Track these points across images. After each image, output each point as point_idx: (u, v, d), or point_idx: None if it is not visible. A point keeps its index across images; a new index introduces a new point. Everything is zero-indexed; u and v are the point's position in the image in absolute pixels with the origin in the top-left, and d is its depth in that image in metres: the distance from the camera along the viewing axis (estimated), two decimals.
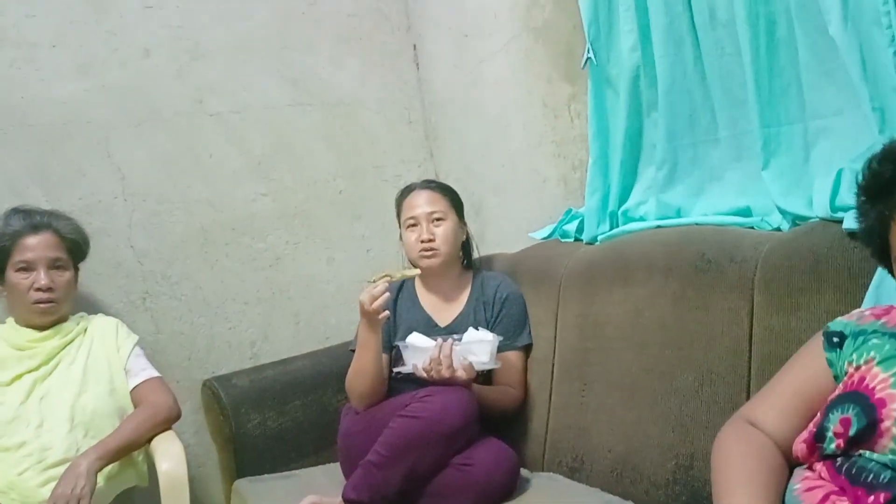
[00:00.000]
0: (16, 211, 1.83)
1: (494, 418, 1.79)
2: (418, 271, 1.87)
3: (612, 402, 1.62)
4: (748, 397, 1.31)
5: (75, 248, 1.87)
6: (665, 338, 1.52)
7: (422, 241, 1.91)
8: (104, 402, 1.78)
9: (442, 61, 2.52)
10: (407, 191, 2.01)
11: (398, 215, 2.01)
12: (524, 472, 1.75)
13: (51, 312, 1.79)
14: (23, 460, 1.64)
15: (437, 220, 1.94)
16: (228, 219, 2.29)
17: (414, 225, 1.94)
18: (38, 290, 1.76)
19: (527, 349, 1.93)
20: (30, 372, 1.74)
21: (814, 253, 1.27)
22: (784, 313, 1.28)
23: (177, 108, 2.24)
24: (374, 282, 1.77)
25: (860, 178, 0.98)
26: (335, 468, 1.89)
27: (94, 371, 1.80)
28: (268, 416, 2.01)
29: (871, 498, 0.86)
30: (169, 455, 1.70)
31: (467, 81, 2.42)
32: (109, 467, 1.67)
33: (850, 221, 1.24)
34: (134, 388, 1.84)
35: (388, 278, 1.79)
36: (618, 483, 1.55)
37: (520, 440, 1.82)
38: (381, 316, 1.75)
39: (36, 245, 1.78)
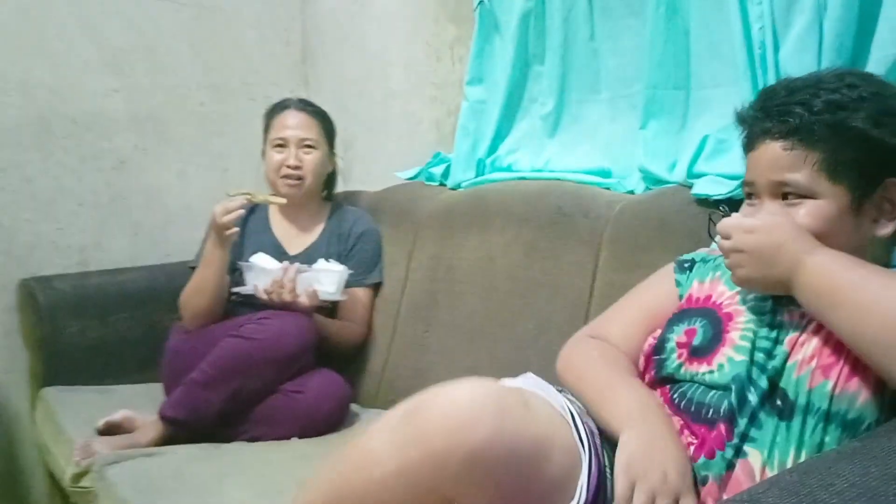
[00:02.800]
0: None
1: (332, 351, 1.75)
2: (284, 201, 1.77)
3: (452, 345, 1.62)
4: None
5: None
6: (513, 286, 1.54)
7: (287, 167, 1.82)
8: None
9: None
10: (280, 107, 1.89)
11: (265, 129, 1.90)
12: (355, 406, 1.72)
13: None
14: None
15: (308, 147, 1.85)
16: (71, 111, 2.08)
17: (282, 146, 1.84)
18: None
19: (376, 287, 1.89)
20: None
21: (661, 215, 1.31)
22: (626, 270, 1.32)
23: None
24: (232, 196, 1.67)
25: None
26: (157, 388, 1.79)
27: None
28: (88, 325, 1.86)
29: (714, 432, 0.88)
30: None
31: (353, 10, 2.32)
32: None
33: (700, 187, 1.29)
34: None
35: (249, 197, 1.70)
36: None
37: (356, 376, 1.79)
38: (229, 231, 1.66)
39: None
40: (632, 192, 1.50)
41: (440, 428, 0.79)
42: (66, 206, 2.07)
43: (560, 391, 0.97)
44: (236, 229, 1.68)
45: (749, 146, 0.95)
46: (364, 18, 2.28)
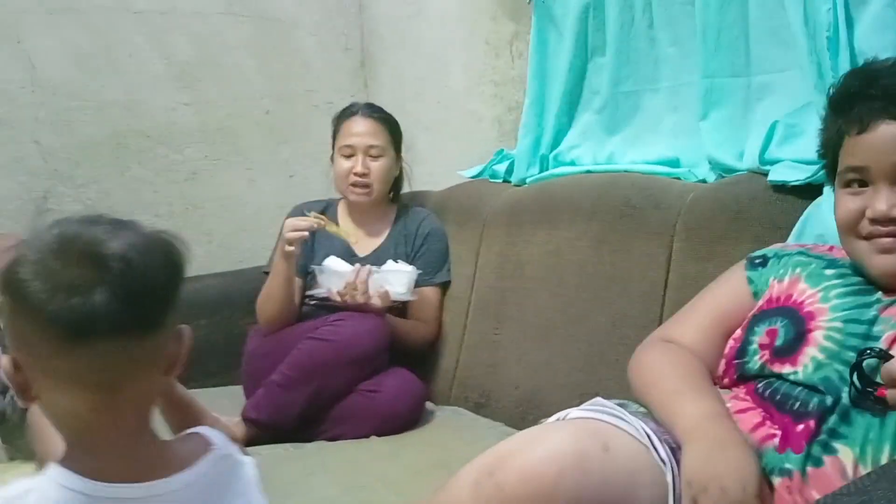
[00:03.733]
0: None
1: (405, 350, 1.77)
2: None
3: (524, 341, 1.63)
4: None
5: None
6: (582, 280, 1.53)
7: (355, 174, 1.85)
8: None
9: None
10: (348, 113, 1.91)
11: (334, 135, 1.93)
12: (430, 405, 1.74)
13: None
14: None
15: (375, 154, 1.87)
16: (145, 126, 2.17)
17: (350, 155, 1.87)
18: None
19: (444, 286, 1.91)
20: None
21: (737, 203, 1.29)
22: (701, 260, 1.30)
23: (96, 0, 2.08)
24: (308, 215, 1.71)
25: (830, 92, 0.97)
26: (238, 390, 1.84)
27: None
28: None
29: (801, 426, 0.87)
30: None
31: (410, 12, 2.34)
32: None
33: (777, 174, 1.27)
34: None
35: (321, 223, 1.72)
36: (521, 420, 1.56)
37: (429, 374, 1.81)
38: (289, 249, 1.69)
39: None
40: (703, 181, 1.48)
41: (521, 492, 0.81)
42: (143, 218, 2.10)
43: (635, 412, 0.97)
44: (294, 248, 1.69)
45: (858, 128, 0.90)
46: (421, 20, 2.30)
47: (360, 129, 1.87)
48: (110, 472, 0.69)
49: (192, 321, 2.18)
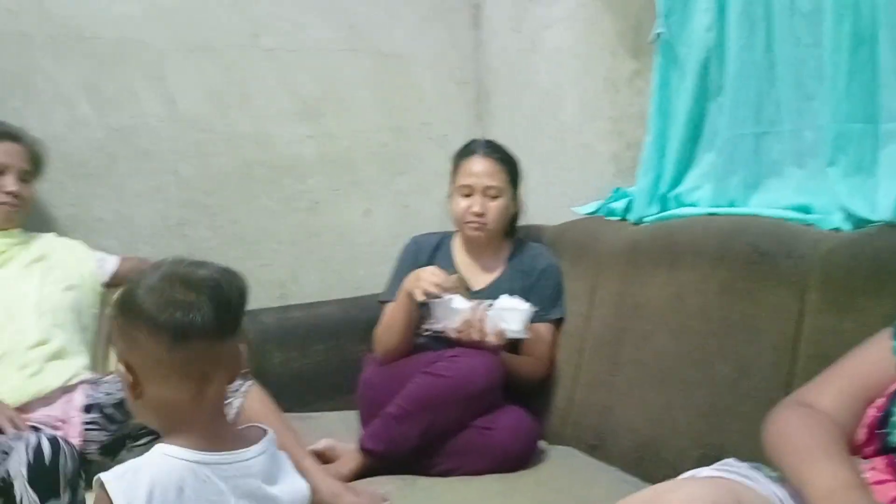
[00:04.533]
0: None
1: (518, 388, 1.77)
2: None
3: (642, 384, 1.60)
4: (788, 395, 1.28)
5: (39, 164, 1.87)
6: (706, 326, 1.50)
7: (472, 213, 1.88)
8: (63, 296, 1.78)
9: (502, 24, 2.47)
10: (468, 152, 1.93)
11: (453, 172, 1.95)
12: (542, 444, 1.74)
13: (13, 218, 1.79)
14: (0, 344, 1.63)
15: (493, 196, 1.89)
16: (271, 157, 2.27)
17: (468, 194, 1.89)
18: (7, 193, 1.76)
19: (558, 322, 1.90)
20: None
21: (877, 255, 1.24)
22: (838, 314, 1.25)
23: (231, 39, 2.21)
24: (451, 277, 1.75)
25: None
26: (352, 415, 1.89)
27: (52, 268, 1.80)
28: (291, 356, 2.01)
29: None
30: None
31: (525, 47, 2.37)
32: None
33: None
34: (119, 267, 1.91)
35: (455, 288, 1.75)
36: (638, 465, 1.54)
37: (541, 412, 1.81)
38: (419, 299, 1.73)
39: (9, 152, 1.78)
40: (837, 230, 1.42)
41: None
42: (268, 245, 2.26)
43: (768, 475, 0.95)
44: (423, 298, 1.73)
45: None
46: (536, 55, 2.32)
47: (479, 170, 1.88)
48: (202, 445, 0.93)
49: (309, 346, 2.25)
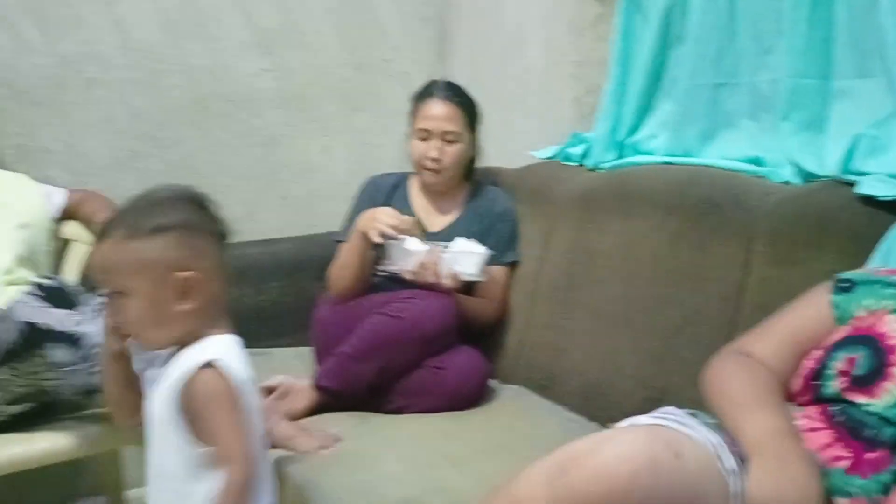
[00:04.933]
0: None
1: (471, 329, 1.80)
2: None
3: (592, 329, 1.65)
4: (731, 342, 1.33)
5: None
6: (656, 274, 1.54)
7: (429, 158, 1.87)
8: (17, 234, 1.73)
9: None
10: (427, 94, 1.91)
11: (412, 114, 1.93)
12: (493, 382, 1.78)
13: None
14: None
15: (451, 141, 1.88)
16: (228, 91, 2.21)
17: (425, 138, 1.88)
18: None
19: (513, 266, 1.93)
20: None
21: (823, 211, 1.28)
22: (783, 266, 1.29)
23: None
24: (406, 219, 1.75)
25: None
26: (307, 352, 1.90)
27: (1, 207, 1.74)
28: (245, 293, 2.01)
29: (874, 454, 0.87)
30: None
31: None
32: None
33: (866, 186, 1.24)
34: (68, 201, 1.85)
35: (411, 230, 1.75)
36: (585, 406, 1.59)
37: (493, 353, 1.84)
38: (375, 239, 1.73)
39: None
40: (787, 184, 1.45)
41: (594, 491, 0.83)
42: (223, 181, 2.22)
43: (705, 423, 0.98)
44: (379, 239, 1.73)
45: None
46: None
47: (437, 113, 1.87)
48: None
49: (265, 282, 2.25)
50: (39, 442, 1.46)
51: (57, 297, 1.44)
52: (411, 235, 1.75)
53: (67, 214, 1.87)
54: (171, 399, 1.05)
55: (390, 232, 1.71)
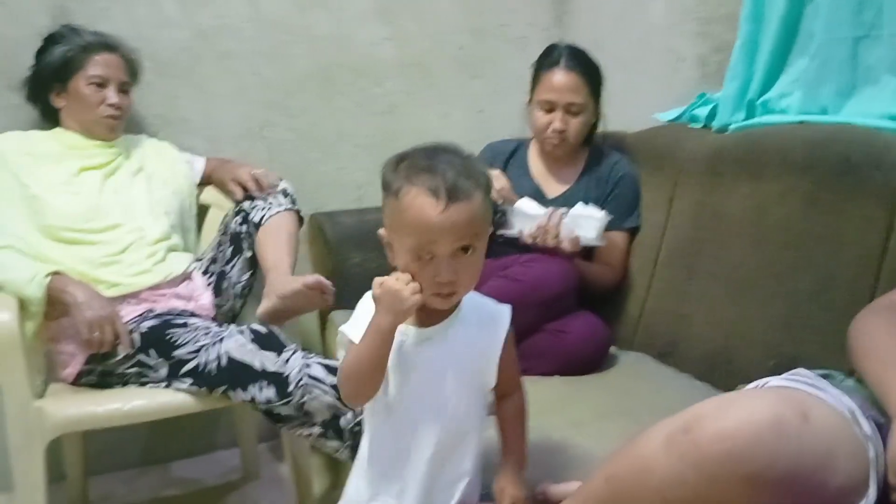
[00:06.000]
0: (73, 28, 1.84)
1: (590, 295, 1.80)
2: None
3: (717, 294, 1.60)
4: None
5: (136, 75, 1.91)
6: (788, 238, 1.48)
7: (553, 130, 1.85)
8: (171, 200, 1.88)
9: None
10: (549, 62, 1.87)
11: (533, 81, 1.91)
12: (613, 349, 1.77)
13: (115, 129, 1.84)
14: (124, 237, 1.73)
15: (575, 112, 1.85)
16: (350, 59, 2.27)
17: (549, 109, 1.86)
18: (110, 106, 1.80)
19: (633, 231, 1.90)
20: (94, 169, 1.80)
21: None
22: None
23: None
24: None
25: None
26: None
27: (153, 176, 1.88)
28: (368, 257, 2.07)
29: None
30: None
31: None
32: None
33: None
34: (205, 168, 2.00)
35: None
36: (710, 373, 1.56)
37: (613, 319, 1.83)
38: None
39: (109, 63, 1.82)
40: None
41: (717, 451, 0.82)
42: (345, 148, 2.29)
43: (839, 385, 0.94)
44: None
45: None
46: None
47: (561, 84, 1.83)
48: None
49: (375, 250, 2.31)
50: (180, 394, 1.57)
51: (266, 341, 1.55)
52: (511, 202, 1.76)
53: (206, 181, 1.99)
54: (488, 348, 1.10)
55: (494, 195, 1.72)
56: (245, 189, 1.87)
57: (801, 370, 1.00)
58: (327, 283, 1.67)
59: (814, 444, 0.83)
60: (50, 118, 1.86)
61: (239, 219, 1.84)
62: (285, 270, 1.74)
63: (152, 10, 2.04)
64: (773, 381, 0.99)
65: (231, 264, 1.85)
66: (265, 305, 1.69)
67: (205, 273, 1.87)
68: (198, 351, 1.55)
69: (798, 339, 1.39)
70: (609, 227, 1.80)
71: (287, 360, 1.53)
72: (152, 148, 1.94)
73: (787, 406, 0.85)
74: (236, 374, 1.52)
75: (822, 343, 1.30)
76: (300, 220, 1.91)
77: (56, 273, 1.58)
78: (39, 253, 1.64)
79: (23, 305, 1.55)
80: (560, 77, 1.84)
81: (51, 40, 1.82)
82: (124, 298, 1.68)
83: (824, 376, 1.00)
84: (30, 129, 1.84)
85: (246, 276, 1.87)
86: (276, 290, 1.68)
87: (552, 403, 1.46)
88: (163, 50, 2.06)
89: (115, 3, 2.00)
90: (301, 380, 1.51)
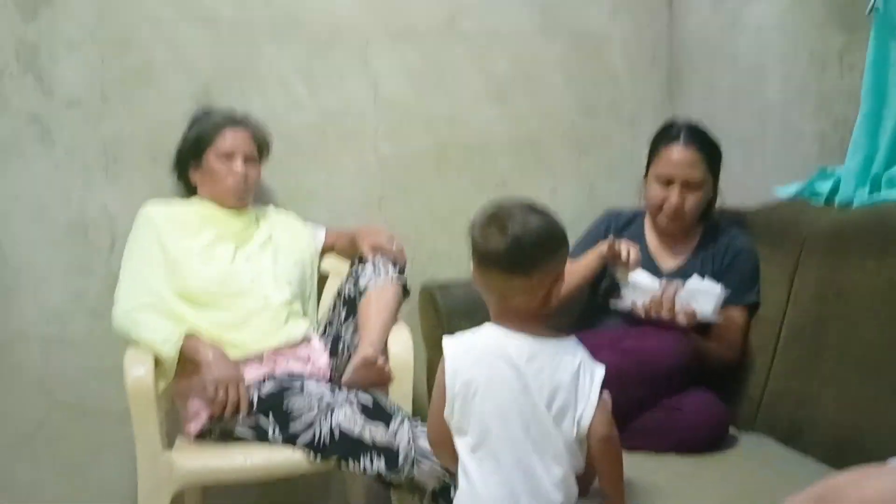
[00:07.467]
0: (207, 110, 2.01)
1: (706, 373, 1.74)
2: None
3: (846, 374, 1.53)
4: None
5: (264, 147, 2.04)
6: None
7: (670, 206, 1.85)
8: (294, 270, 1.97)
9: (699, 2, 2.40)
10: (669, 138, 1.87)
11: (650, 155, 1.92)
12: (732, 430, 1.70)
13: (243, 198, 1.97)
14: (251, 303, 1.84)
15: (693, 189, 1.85)
16: (464, 138, 2.36)
17: (667, 184, 1.85)
18: (237, 174, 1.93)
19: (752, 308, 1.84)
20: (227, 238, 1.92)
21: None
22: None
23: (430, 23, 2.31)
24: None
25: None
26: None
27: (280, 246, 1.98)
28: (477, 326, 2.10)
29: None
30: (398, 339, 1.85)
31: (724, 24, 2.28)
32: None
33: None
34: (326, 237, 2.11)
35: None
36: (839, 458, 1.46)
37: (731, 398, 1.75)
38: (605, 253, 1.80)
39: (237, 137, 1.96)
40: None
41: None
42: (458, 222, 2.30)
43: None
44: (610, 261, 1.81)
45: None
46: (736, 32, 2.23)
47: (680, 160, 1.83)
48: (511, 327, 1.23)
49: (485, 319, 2.30)
50: (298, 453, 1.63)
51: (373, 412, 1.62)
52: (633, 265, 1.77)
53: (326, 249, 2.10)
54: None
55: (632, 252, 1.76)
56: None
57: None
58: (382, 361, 1.73)
59: None
60: (190, 193, 2.02)
61: (352, 283, 1.92)
62: (368, 343, 1.78)
63: (284, 93, 2.20)
64: None
65: (345, 327, 1.92)
66: (346, 376, 1.75)
67: (322, 336, 1.94)
68: (310, 425, 1.61)
69: None
70: (726, 302, 1.76)
71: (396, 433, 1.57)
72: (279, 218, 2.07)
73: None
74: (348, 446, 1.58)
75: None
76: (405, 292, 1.96)
77: (190, 335, 1.68)
78: (175, 313, 1.76)
79: (157, 362, 1.66)
80: (679, 152, 1.84)
81: (191, 123, 2.01)
82: (248, 360, 1.77)
83: None
84: (172, 198, 2.01)
85: (359, 338, 1.93)
86: (353, 362, 1.75)
87: (669, 484, 1.42)
88: (292, 129, 2.22)
89: (252, 87, 2.18)
90: (410, 453, 1.53)
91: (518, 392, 1.18)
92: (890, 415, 1.40)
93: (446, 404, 1.20)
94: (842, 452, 1.47)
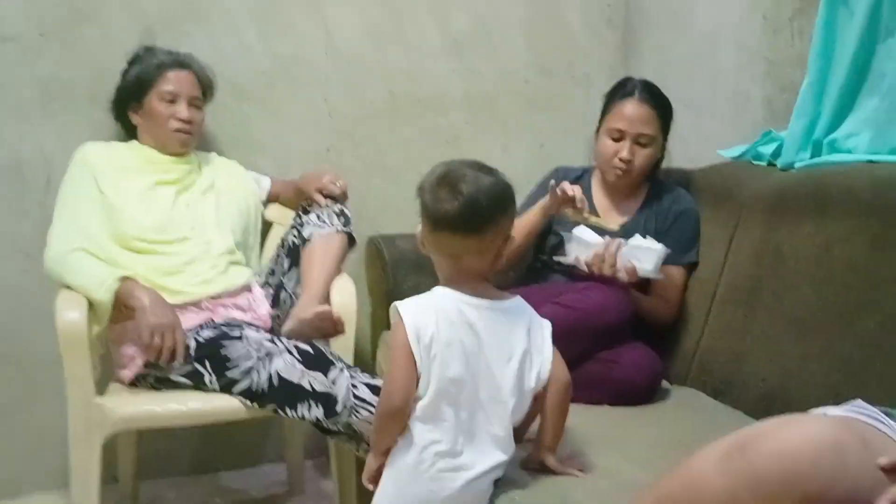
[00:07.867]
0: (150, 48, 1.94)
1: (643, 328, 1.77)
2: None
3: (777, 334, 1.56)
4: None
5: (208, 90, 1.98)
6: (853, 279, 1.43)
7: (620, 159, 1.86)
8: (237, 218, 1.94)
9: None
10: (624, 93, 1.89)
11: (604, 110, 1.93)
12: (665, 384, 1.74)
13: (187, 143, 1.92)
14: (191, 249, 1.80)
15: (643, 144, 1.86)
16: (418, 91, 2.33)
17: (618, 138, 1.87)
18: (180, 120, 1.87)
19: (691, 267, 1.88)
20: (168, 184, 1.87)
21: None
22: None
23: None
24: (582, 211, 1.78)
25: None
26: None
27: (222, 193, 1.94)
28: (422, 281, 2.07)
29: None
30: (342, 290, 1.83)
31: None
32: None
33: None
34: (271, 187, 2.07)
35: (585, 219, 1.79)
36: (765, 413, 1.46)
37: (666, 353, 1.79)
38: (549, 201, 1.78)
39: (181, 79, 1.89)
40: None
41: (774, 470, 0.79)
42: (408, 175, 2.32)
43: None
44: (554, 207, 1.79)
45: None
46: None
47: (634, 114, 1.85)
48: (465, 291, 1.22)
49: (431, 275, 2.32)
50: (235, 400, 1.61)
51: (313, 360, 1.60)
52: (581, 213, 1.76)
53: (271, 199, 2.06)
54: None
55: (570, 197, 1.74)
56: (332, 198, 1.92)
57: (860, 402, 0.97)
58: (338, 315, 1.71)
59: (873, 470, 0.80)
60: (130, 135, 1.96)
61: (295, 232, 1.89)
62: (313, 295, 1.76)
63: (233, 37, 2.14)
64: (833, 410, 0.96)
65: (288, 276, 1.90)
66: (287, 326, 1.72)
67: (263, 285, 1.92)
68: (248, 372, 1.59)
69: (860, 382, 1.34)
70: (667, 261, 1.78)
71: (335, 381, 1.56)
72: (223, 166, 2.02)
73: (847, 431, 0.82)
74: (286, 393, 1.57)
75: (887, 388, 1.25)
76: (351, 242, 1.93)
77: (126, 278, 1.64)
78: (110, 258, 1.72)
79: (91, 306, 1.62)
80: (633, 107, 1.85)
81: (131, 61, 1.93)
82: (187, 307, 1.74)
83: (885, 413, 0.96)
84: (111, 141, 1.94)
85: (301, 288, 1.91)
86: (297, 314, 1.72)
87: (604, 433, 1.44)
88: (241, 75, 2.16)
89: (199, 28, 2.11)
90: (348, 401, 1.53)
91: (474, 356, 1.19)
92: (817, 373, 1.44)
93: (418, 362, 1.17)
94: (768, 407, 1.51)
